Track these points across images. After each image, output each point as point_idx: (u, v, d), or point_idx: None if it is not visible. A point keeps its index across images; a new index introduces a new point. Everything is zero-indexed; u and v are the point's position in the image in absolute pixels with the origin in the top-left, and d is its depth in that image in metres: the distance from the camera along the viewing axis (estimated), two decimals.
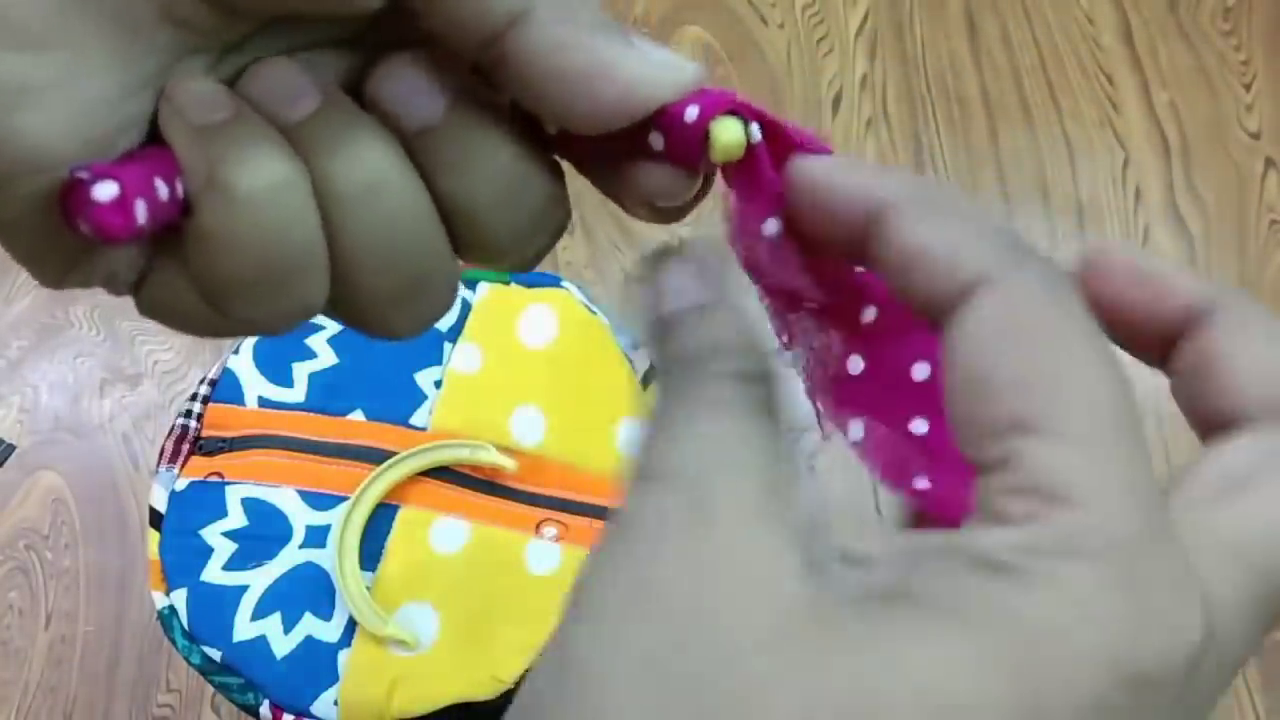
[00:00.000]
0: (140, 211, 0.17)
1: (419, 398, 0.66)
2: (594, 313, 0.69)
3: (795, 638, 0.15)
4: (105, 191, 0.17)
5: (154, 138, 0.19)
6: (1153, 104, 1.02)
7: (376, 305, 0.20)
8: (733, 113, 0.19)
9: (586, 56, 0.18)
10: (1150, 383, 0.21)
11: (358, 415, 0.66)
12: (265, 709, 0.60)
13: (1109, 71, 1.04)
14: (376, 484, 0.63)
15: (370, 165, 0.18)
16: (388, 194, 0.19)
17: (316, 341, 0.68)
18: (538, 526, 0.63)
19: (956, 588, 0.15)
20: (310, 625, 0.61)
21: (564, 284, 0.70)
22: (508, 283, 0.70)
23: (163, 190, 0.18)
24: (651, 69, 0.18)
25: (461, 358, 0.67)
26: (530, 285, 0.70)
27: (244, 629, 0.61)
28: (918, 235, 0.17)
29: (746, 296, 0.19)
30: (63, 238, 0.18)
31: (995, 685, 0.14)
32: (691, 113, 0.18)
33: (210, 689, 0.81)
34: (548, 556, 0.62)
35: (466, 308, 0.68)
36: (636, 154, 0.19)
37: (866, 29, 1.08)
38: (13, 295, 1.01)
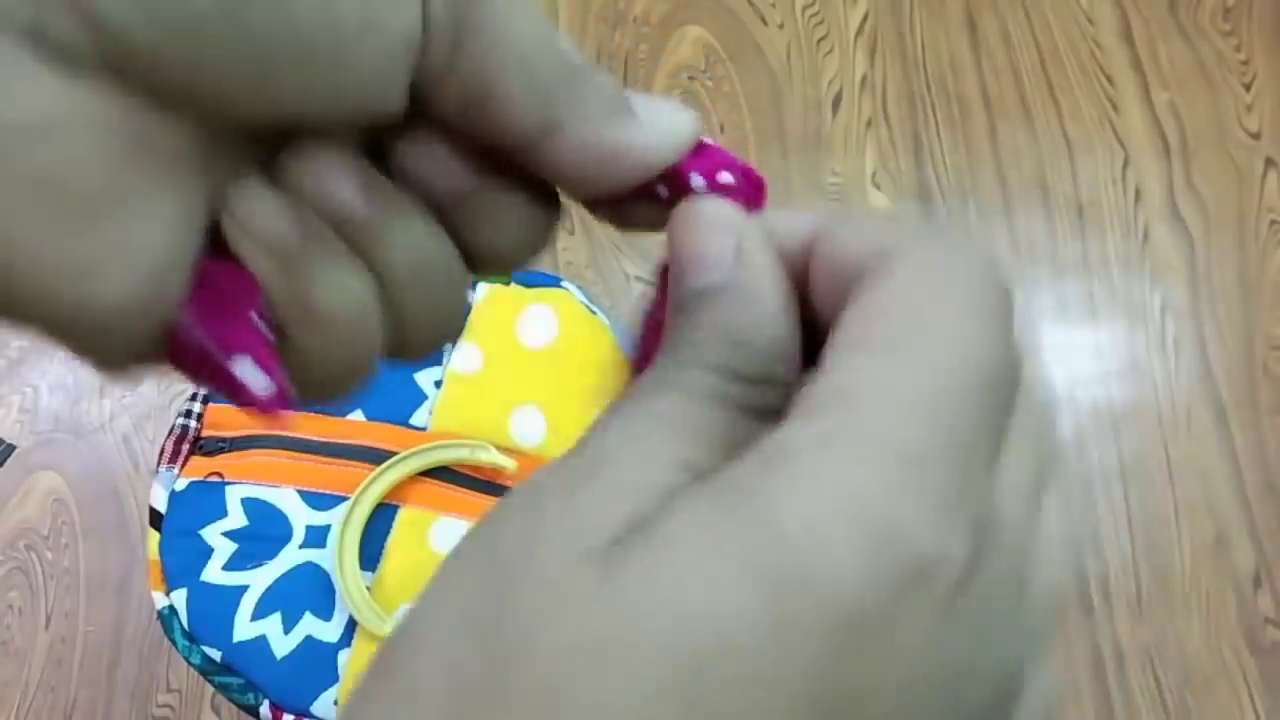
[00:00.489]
0: (286, 381, 0.19)
1: (419, 398, 0.66)
2: (594, 312, 0.69)
3: (576, 578, 0.15)
4: (258, 384, 0.19)
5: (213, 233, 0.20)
6: (1153, 104, 1.02)
7: (416, 350, 0.22)
8: (729, 171, 0.21)
9: (605, 150, 0.20)
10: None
11: (358, 415, 0.66)
12: (265, 709, 0.60)
13: (1109, 71, 1.04)
14: (376, 484, 0.63)
15: (419, 248, 0.20)
16: (434, 269, 0.21)
17: None
18: None
19: (724, 485, 0.15)
20: (310, 625, 0.61)
21: (564, 284, 0.70)
22: (508, 283, 0.70)
23: (264, 327, 0.19)
24: (658, 138, 0.20)
25: (461, 358, 0.67)
26: (530, 285, 0.70)
27: (244, 629, 0.61)
28: (847, 237, 0.18)
29: (772, 282, 0.19)
30: (151, 358, 0.19)
31: (746, 593, 0.14)
32: (698, 182, 0.21)
33: (210, 689, 0.81)
34: None
35: (466, 307, 0.68)
36: (640, 197, 0.21)
37: (866, 29, 1.08)
38: None
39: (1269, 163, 0.99)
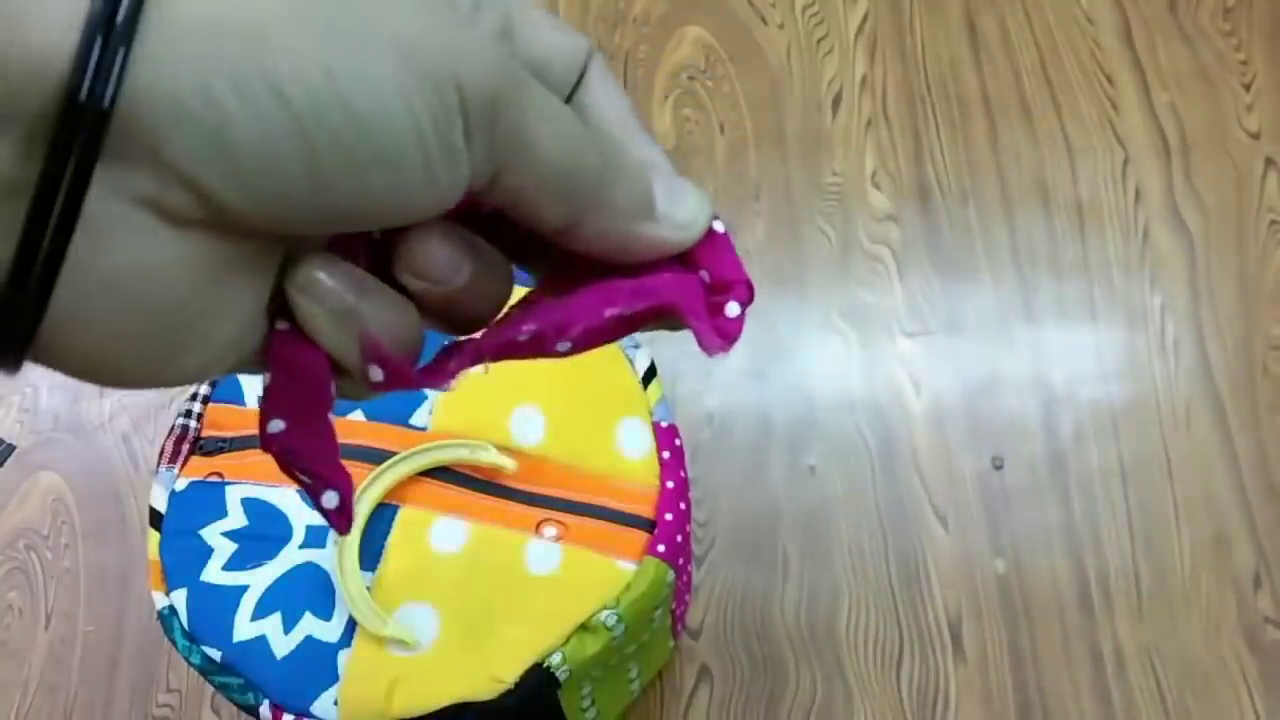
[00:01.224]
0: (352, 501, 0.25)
1: (419, 398, 0.66)
2: None
3: None
4: (335, 508, 0.25)
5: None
6: (1153, 104, 1.02)
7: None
8: (733, 282, 0.25)
9: (623, 243, 0.24)
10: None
11: (357, 415, 0.66)
12: (265, 709, 0.60)
13: (1109, 71, 1.04)
14: (376, 484, 0.63)
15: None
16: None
17: None
18: (538, 526, 0.63)
19: None
20: (310, 625, 0.61)
21: None
22: None
23: (332, 426, 0.25)
24: (672, 234, 0.24)
25: None
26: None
27: (244, 629, 0.61)
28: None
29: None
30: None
31: None
32: (705, 276, 0.25)
33: (210, 689, 0.81)
34: (548, 556, 0.62)
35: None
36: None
37: (866, 29, 1.08)
38: None
39: (1269, 163, 0.99)
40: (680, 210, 0.24)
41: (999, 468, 0.87)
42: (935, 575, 0.83)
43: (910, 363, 0.92)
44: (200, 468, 0.66)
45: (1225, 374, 0.90)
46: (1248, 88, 1.02)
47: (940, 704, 0.79)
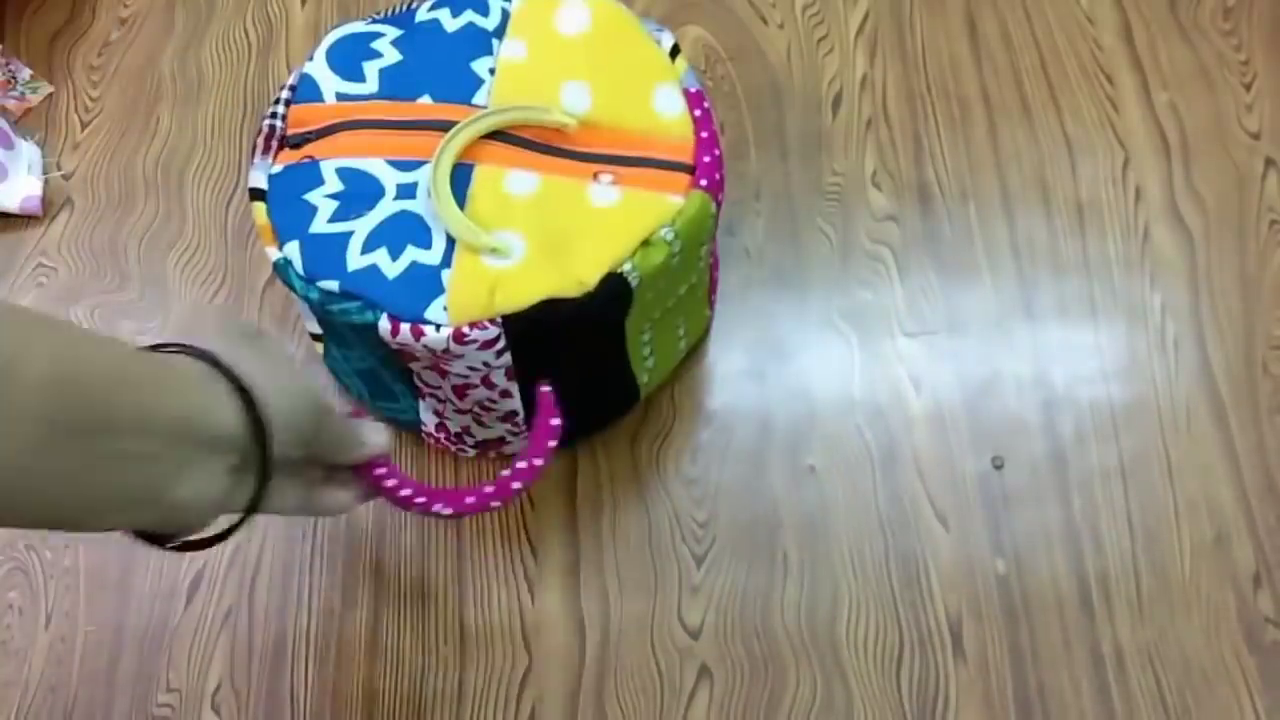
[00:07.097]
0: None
1: (477, 81, 0.76)
2: (619, 6, 0.79)
3: None
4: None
5: None
6: (1153, 104, 1.02)
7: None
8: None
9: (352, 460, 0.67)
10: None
11: (425, 99, 0.75)
12: (384, 321, 0.68)
13: (1109, 71, 1.04)
14: (453, 143, 0.71)
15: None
16: None
17: (381, 44, 0.78)
18: (595, 175, 0.72)
19: None
20: (414, 254, 0.69)
21: None
22: None
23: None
24: (372, 451, 0.66)
25: (509, 49, 0.77)
26: None
27: (356, 261, 0.69)
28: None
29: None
30: None
31: None
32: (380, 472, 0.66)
33: (210, 688, 0.81)
34: (608, 194, 0.71)
35: (505, 15, 0.79)
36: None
37: (866, 29, 1.08)
38: (13, 295, 1.01)
39: (1269, 163, 0.99)
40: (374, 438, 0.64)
41: (999, 468, 0.87)
42: (935, 575, 0.83)
43: (910, 363, 0.92)
44: (291, 156, 0.74)
45: (1225, 374, 0.90)
46: (1248, 88, 1.02)
47: (940, 704, 0.79)
